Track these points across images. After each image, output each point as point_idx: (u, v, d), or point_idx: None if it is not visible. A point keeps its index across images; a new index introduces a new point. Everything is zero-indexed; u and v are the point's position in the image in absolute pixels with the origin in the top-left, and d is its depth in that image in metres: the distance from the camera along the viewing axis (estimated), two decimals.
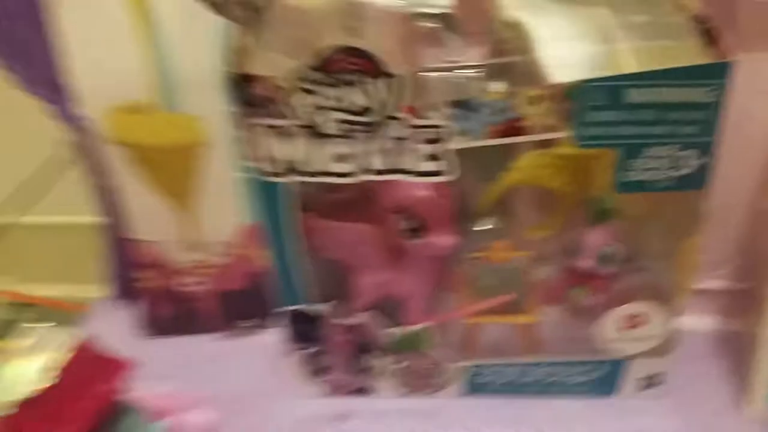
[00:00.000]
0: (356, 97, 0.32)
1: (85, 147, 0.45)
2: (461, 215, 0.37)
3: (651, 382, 0.41)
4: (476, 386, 0.43)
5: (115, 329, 0.49)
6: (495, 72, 0.33)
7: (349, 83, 0.32)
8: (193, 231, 0.46)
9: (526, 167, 0.36)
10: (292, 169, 0.34)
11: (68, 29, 0.39)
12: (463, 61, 0.34)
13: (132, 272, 0.48)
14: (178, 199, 0.45)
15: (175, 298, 0.49)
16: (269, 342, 0.47)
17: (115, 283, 0.52)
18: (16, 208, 0.53)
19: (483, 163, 0.35)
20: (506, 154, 0.35)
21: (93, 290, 0.53)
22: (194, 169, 0.44)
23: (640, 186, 0.33)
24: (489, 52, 0.35)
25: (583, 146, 0.32)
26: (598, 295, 0.38)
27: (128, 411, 0.37)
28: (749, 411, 0.41)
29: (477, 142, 0.33)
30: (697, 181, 0.33)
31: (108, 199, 0.47)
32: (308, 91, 0.32)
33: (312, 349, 0.42)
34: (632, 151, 0.32)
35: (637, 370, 0.41)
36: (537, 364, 0.41)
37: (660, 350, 0.40)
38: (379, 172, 0.34)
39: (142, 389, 0.42)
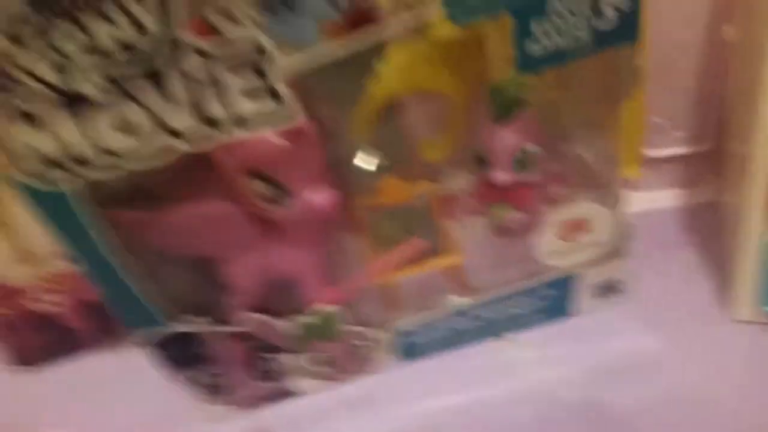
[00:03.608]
0: (110, 30, 0.20)
1: None
2: (331, 158, 0.28)
3: (610, 292, 0.34)
4: (411, 350, 0.35)
5: None
6: None
7: (94, 11, 0.20)
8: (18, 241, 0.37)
9: (396, 71, 0.26)
10: (70, 162, 0.23)
11: None
12: None
13: None
14: None
15: (32, 322, 0.41)
16: None
17: None
18: None
19: (338, 79, 0.25)
20: (365, 58, 0.25)
21: None
22: None
23: (550, 58, 0.24)
24: None
25: (462, 22, 0.23)
26: (525, 207, 0.30)
27: None
28: (735, 311, 0.32)
29: (315, 51, 0.22)
30: (624, 32, 0.24)
31: None
32: (40, 40, 0.20)
33: (201, 371, 0.33)
34: (529, 11, 0.23)
35: (591, 281, 0.33)
36: (473, 307, 0.33)
37: (613, 252, 0.32)
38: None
39: None
